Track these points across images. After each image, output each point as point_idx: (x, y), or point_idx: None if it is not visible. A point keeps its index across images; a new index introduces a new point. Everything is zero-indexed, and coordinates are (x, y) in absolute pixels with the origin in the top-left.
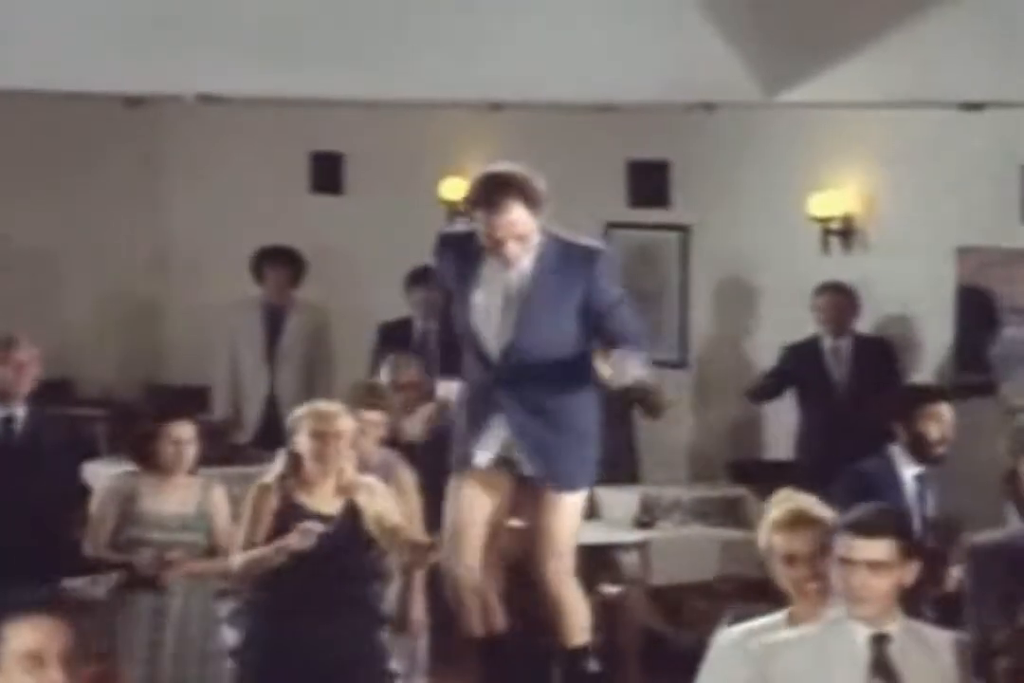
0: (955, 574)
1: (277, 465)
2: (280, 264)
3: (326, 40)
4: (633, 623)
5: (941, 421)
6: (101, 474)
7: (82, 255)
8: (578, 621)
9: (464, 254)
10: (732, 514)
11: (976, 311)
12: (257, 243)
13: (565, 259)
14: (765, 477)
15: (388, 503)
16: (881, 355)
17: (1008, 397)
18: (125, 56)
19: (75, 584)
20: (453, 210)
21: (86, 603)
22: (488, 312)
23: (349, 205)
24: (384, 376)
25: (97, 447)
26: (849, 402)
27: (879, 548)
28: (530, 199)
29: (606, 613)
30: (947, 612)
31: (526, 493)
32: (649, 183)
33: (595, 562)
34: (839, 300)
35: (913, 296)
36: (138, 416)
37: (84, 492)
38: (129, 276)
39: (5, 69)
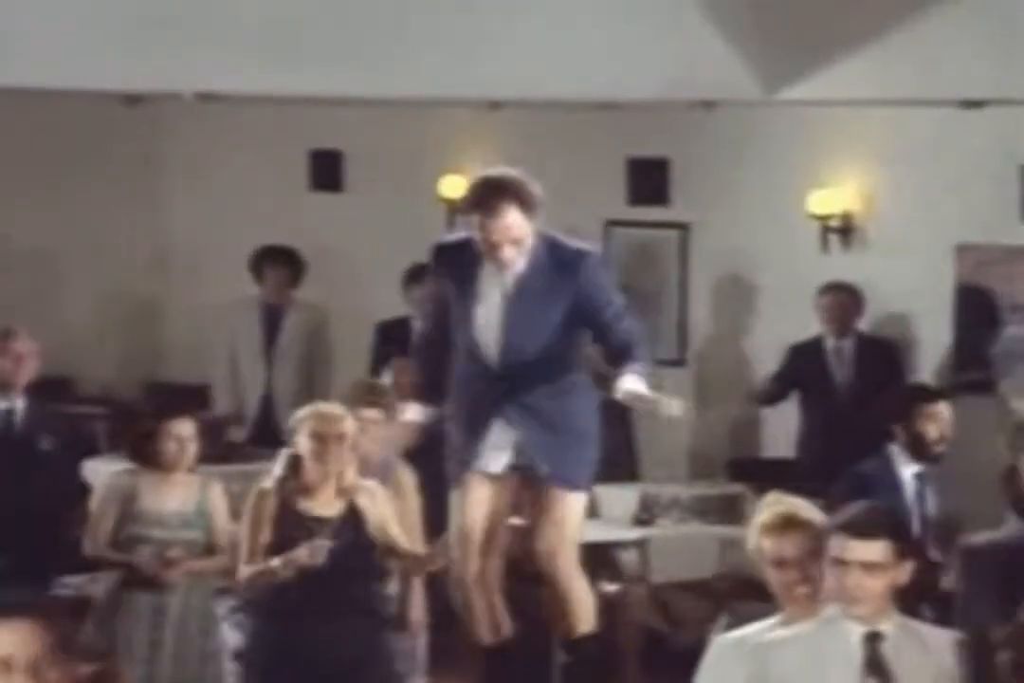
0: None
1: (277, 468)
2: (279, 264)
3: (326, 38)
4: (632, 621)
5: (939, 420)
6: (101, 472)
7: (82, 254)
8: (585, 611)
9: (461, 262)
10: (731, 512)
11: (975, 309)
12: (257, 242)
13: (555, 260)
14: (764, 475)
15: (387, 509)
16: (884, 356)
17: (1008, 395)
18: (124, 54)
19: (74, 582)
20: (453, 208)
21: (85, 602)
22: (487, 317)
23: (349, 204)
24: (387, 378)
25: (97, 445)
26: (851, 402)
27: (873, 549)
28: (525, 203)
29: (605, 611)
30: (946, 611)
31: (529, 491)
32: (649, 181)
33: (594, 560)
34: (843, 300)
35: (912, 294)
36: (138, 414)
37: (84, 490)
38: (129, 275)
39: (4, 67)
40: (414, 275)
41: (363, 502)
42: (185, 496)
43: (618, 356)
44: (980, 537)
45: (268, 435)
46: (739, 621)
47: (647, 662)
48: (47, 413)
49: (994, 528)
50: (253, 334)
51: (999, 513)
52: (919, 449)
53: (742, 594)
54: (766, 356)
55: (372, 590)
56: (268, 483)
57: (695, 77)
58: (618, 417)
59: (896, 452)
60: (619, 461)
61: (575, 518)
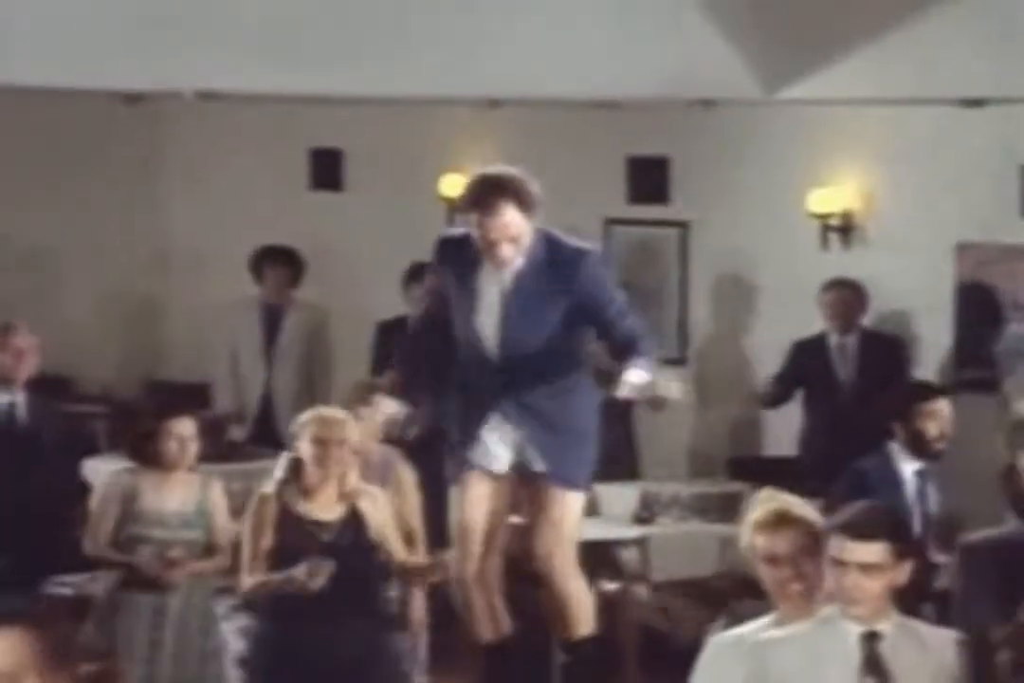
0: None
1: (278, 471)
2: (279, 264)
3: (326, 37)
4: (632, 619)
5: (939, 418)
6: (101, 471)
7: (82, 254)
8: (583, 612)
9: (463, 257)
10: (731, 510)
11: (977, 307)
12: (257, 241)
13: (554, 258)
14: (765, 474)
15: (388, 515)
16: (888, 352)
17: (1012, 394)
18: (125, 53)
19: (74, 581)
20: (453, 207)
21: (85, 601)
22: (486, 311)
23: (349, 203)
24: (387, 378)
25: (97, 444)
26: (854, 400)
27: (871, 550)
28: (523, 201)
29: (605, 609)
30: (945, 610)
31: (528, 490)
32: (649, 180)
33: (594, 558)
34: (847, 296)
35: (912, 293)
36: (139, 413)
37: (84, 489)
38: (129, 275)
39: (4, 67)
40: (414, 274)
41: (365, 506)
42: (185, 495)
43: (623, 352)
44: (979, 534)
45: (268, 434)
46: (739, 620)
47: (647, 661)
48: (48, 409)
49: (995, 527)
50: (253, 334)
51: (1001, 511)
52: (919, 446)
53: (742, 593)
54: (766, 355)
55: (374, 591)
56: (269, 487)
57: (695, 76)
58: (619, 415)
59: (896, 450)
60: (619, 459)
61: (573, 518)
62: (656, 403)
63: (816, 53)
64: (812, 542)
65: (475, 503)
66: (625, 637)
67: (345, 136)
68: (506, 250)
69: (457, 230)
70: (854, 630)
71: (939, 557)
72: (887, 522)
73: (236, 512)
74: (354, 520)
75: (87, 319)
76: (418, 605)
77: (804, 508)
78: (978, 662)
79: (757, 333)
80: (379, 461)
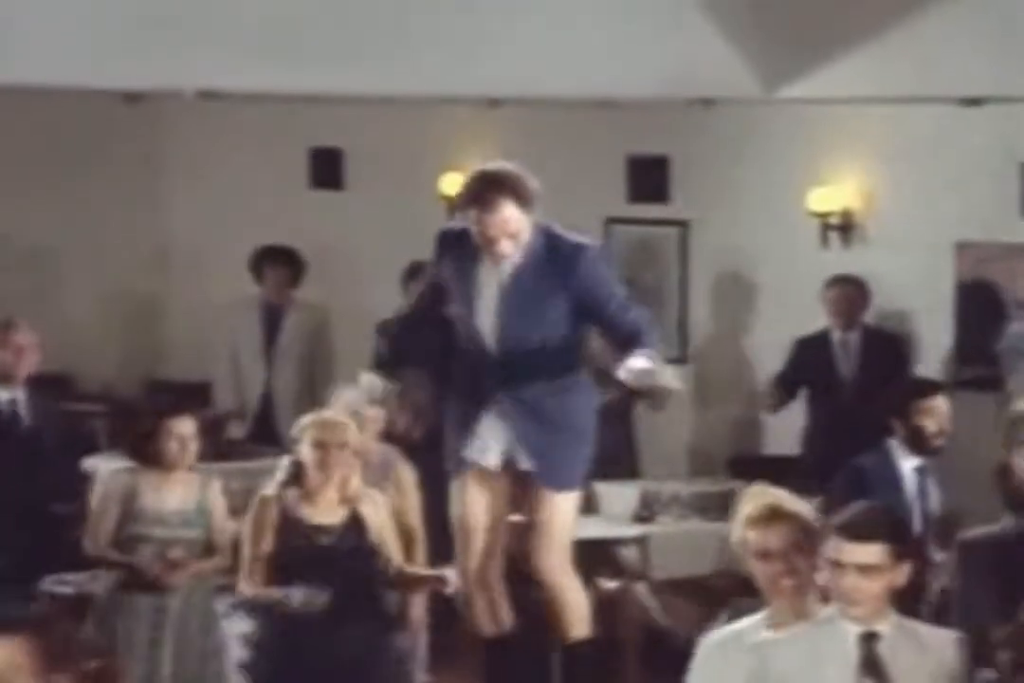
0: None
1: (279, 474)
2: (280, 264)
3: (326, 37)
4: (632, 618)
5: (938, 414)
6: (101, 470)
7: (82, 253)
8: (578, 614)
9: (463, 251)
10: (731, 509)
11: (978, 306)
12: (257, 240)
13: (553, 253)
14: (765, 472)
15: (388, 520)
16: (890, 348)
17: (1016, 393)
18: (125, 52)
19: (74, 579)
20: (453, 206)
21: (85, 600)
22: (485, 305)
23: (349, 202)
24: None
25: (97, 443)
26: (856, 397)
27: (870, 552)
28: (522, 197)
29: (605, 608)
30: (944, 609)
31: (524, 488)
32: (649, 179)
33: (594, 557)
34: (850, 293)
35: (912, 291)
36: (139, 412)
37: (84, 487)
38: (129, 274)
39: (4, 67)
40: (414, 273)
41: (366, 510)
42: (185, 494)
43: (627, 344)
44: (977, 531)
45: (267, 433)
46: (741, 616)
47: (647, 659)
48: (48, 406)
49: (994, 524)
50: (253, 334)
51: (1001, 510)
52: (918, 443)
53: (742, 591)
54: (766, 353)
55: (374, 595)
56: (270, 490)
57: (695, 75)
58: (619, 414)
59: (895, 446)
60: (620, 458)
61: (563, 519)
62: (656, 399)
63: (816, 52)
64: (804, 537)
65: (475, 502)
66: (625, 635)
67: (345, 135)
68: (505, 246)
69: (457, 223)
70: (853, 630)
71: (938, 554)
72: (886, 523)
73: (236, 511)
74: (355, 524)
75: (87, 318)
76: (418, 605)
77: (796, 503)
78: (979, 660)
79: (757, 332)
80: (379, 460)
